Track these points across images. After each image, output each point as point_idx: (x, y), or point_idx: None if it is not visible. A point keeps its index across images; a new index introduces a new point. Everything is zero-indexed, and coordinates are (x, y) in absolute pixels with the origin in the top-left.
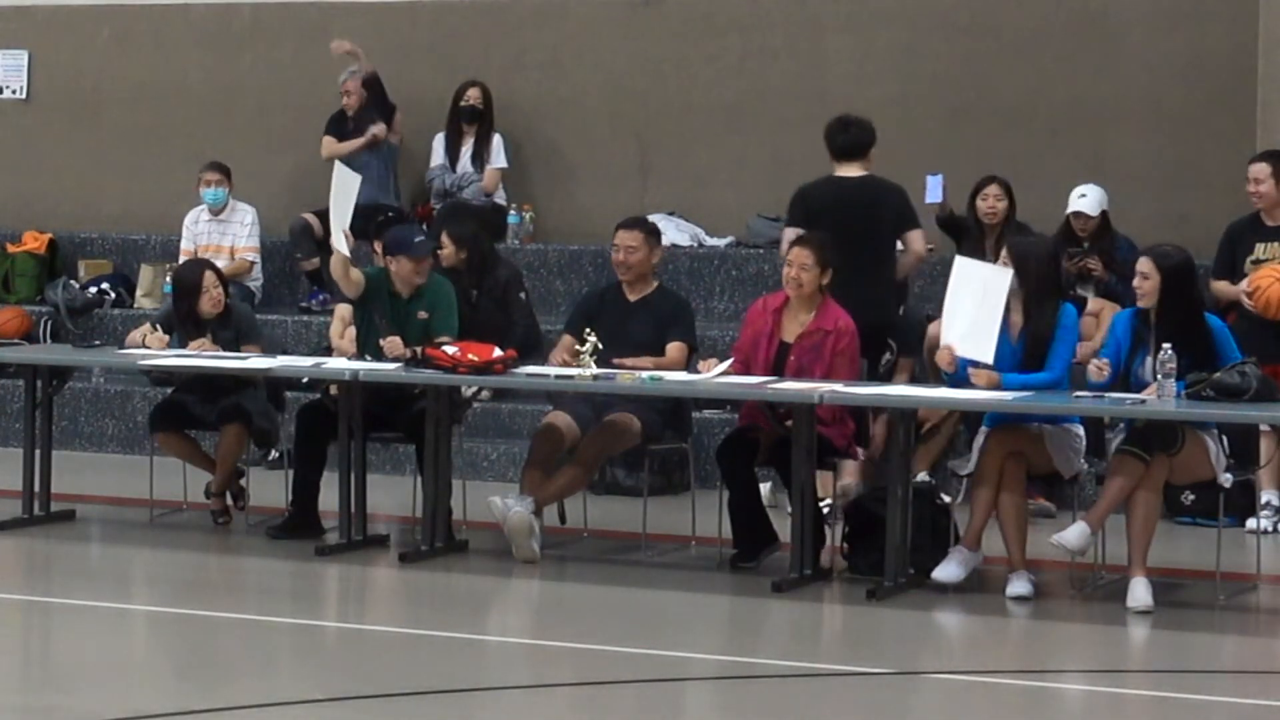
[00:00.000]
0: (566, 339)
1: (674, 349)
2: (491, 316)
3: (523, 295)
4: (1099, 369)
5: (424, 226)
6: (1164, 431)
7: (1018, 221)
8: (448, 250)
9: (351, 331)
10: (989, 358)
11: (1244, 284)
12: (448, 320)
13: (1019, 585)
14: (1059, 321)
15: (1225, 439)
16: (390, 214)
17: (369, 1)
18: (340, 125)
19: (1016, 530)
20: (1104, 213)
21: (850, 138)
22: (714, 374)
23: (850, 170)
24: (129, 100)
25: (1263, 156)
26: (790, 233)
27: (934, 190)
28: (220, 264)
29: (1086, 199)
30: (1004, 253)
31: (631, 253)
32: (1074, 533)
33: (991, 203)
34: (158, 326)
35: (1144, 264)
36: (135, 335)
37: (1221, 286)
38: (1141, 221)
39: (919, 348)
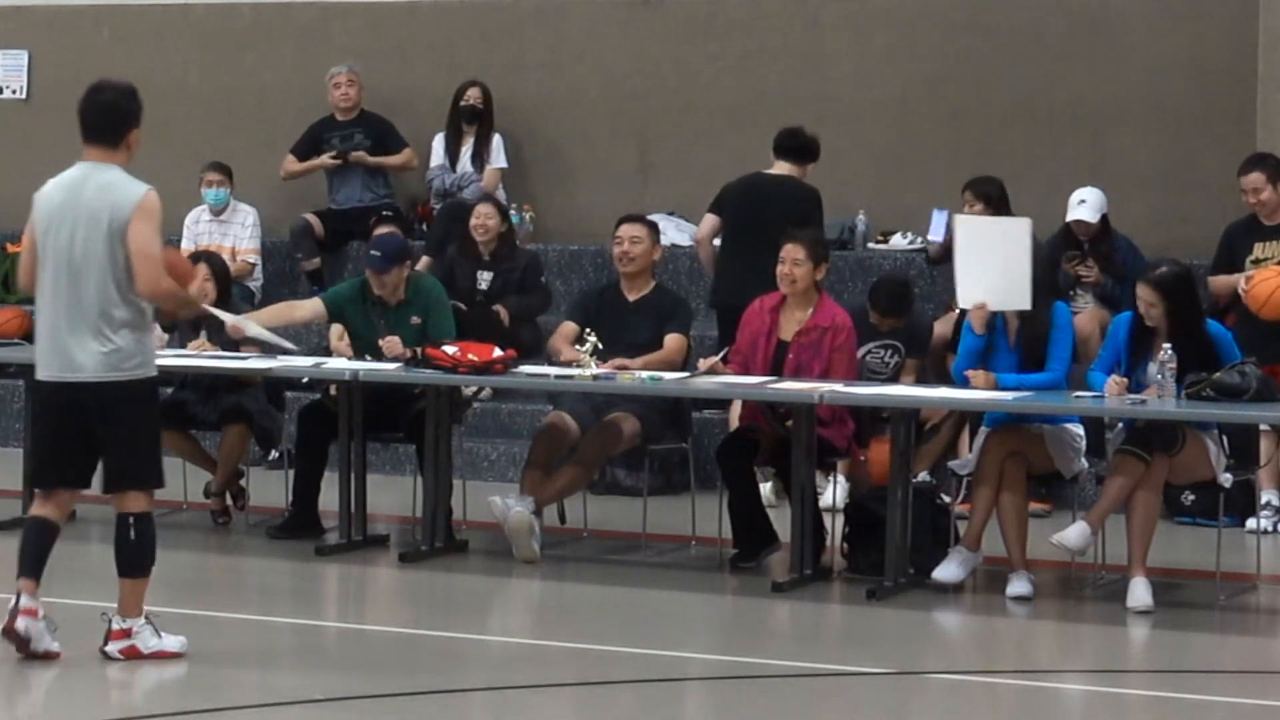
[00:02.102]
0: (570, 326)
1: (671, 340)
2: (498, 304)
3: (543, 279)
4: (1120, 386)
5: (424, 227)
6: (1164, 431)
7: None
8: (493, 223)
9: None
10: (1028, 304)
11: (1241, 281)
12: (443, 323)
13: (1019, 585)
14: (1053, 321)
15: (1225, 439)
16: (385, 213)
17: (369, 1)
18: (319, 135)
19: (1016, 530)
20: (1104, 215)
21: (780, 139)
22: (706, 366)
23: (776, 169)
24: None
25: (1252, 166)
26: (707, 219)
27: (936, 227)
28: None
29: (1086, 205)
30: None
31: (636, 243)
32: (1074, 532)
33: (966, 210)
34: (158, 325)
35: (1145, 292)
36: None
37: (1219, 280)
38: (1141, 221)
39: (925, 349)
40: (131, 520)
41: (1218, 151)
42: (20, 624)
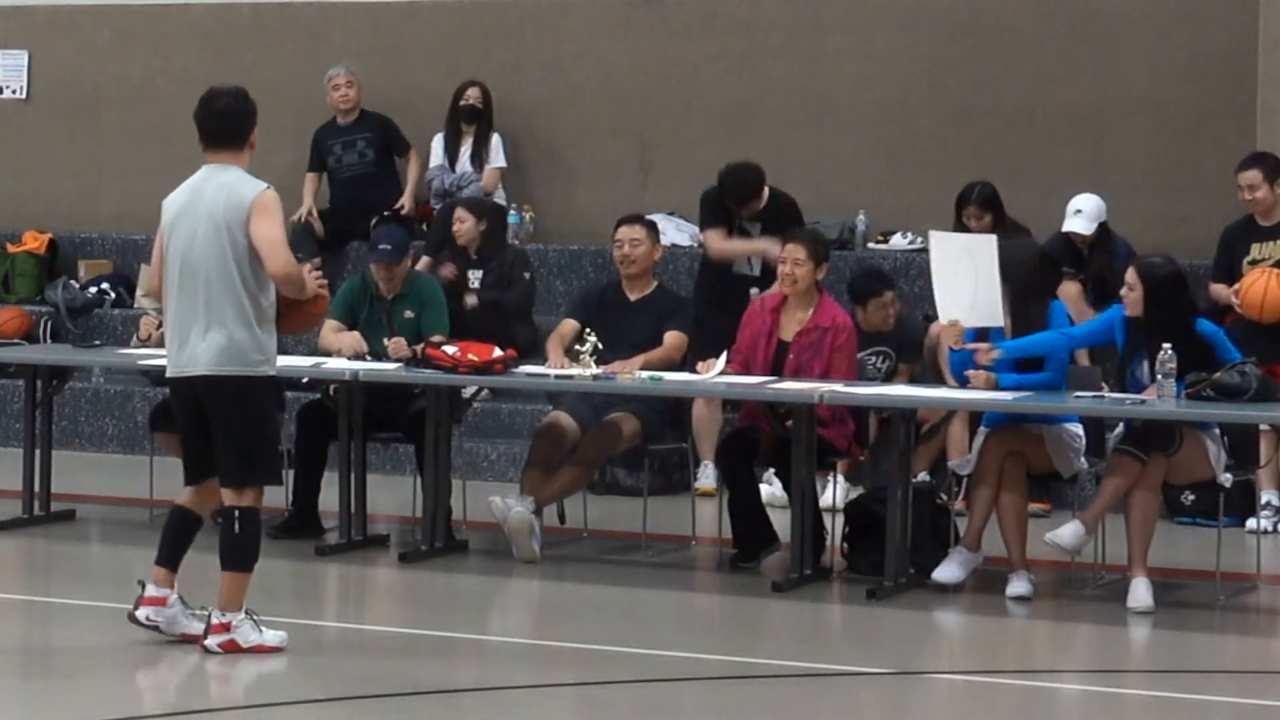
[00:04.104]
0: (570, 324)
1: (670, 338)
2: (492, 304)
3: (527, 275)
4: (981, 379)
5: (423, 226)
6: (1162, 431)
7: (1013, 221)
8: (467, 225)
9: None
10: (1000, 321)
11: (1232, 296)
12: (438, 319)
13: (1019, 585)
14: (1050, 322)
15: (1225, 439)
16: (386, 213)
17: (369, 1)
18: (327, 139)
19: (1016, 530)
20: (1102, 222)
21: None
22: (713, 374)
23: None
24: (129, 100)
25: (1251, 163)
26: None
27: None
28: None
29: (1082, 215)
30: None
31: (636, 245)
32: (1068, 531)
33: (974, 224)
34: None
35: (1130, 274)
36: (143, 328)
37: (1218, 289)
38: (1141, 222)
39: (918, 353)
40: (237, 514)
41: (1218, 151)
42: (141, 613)
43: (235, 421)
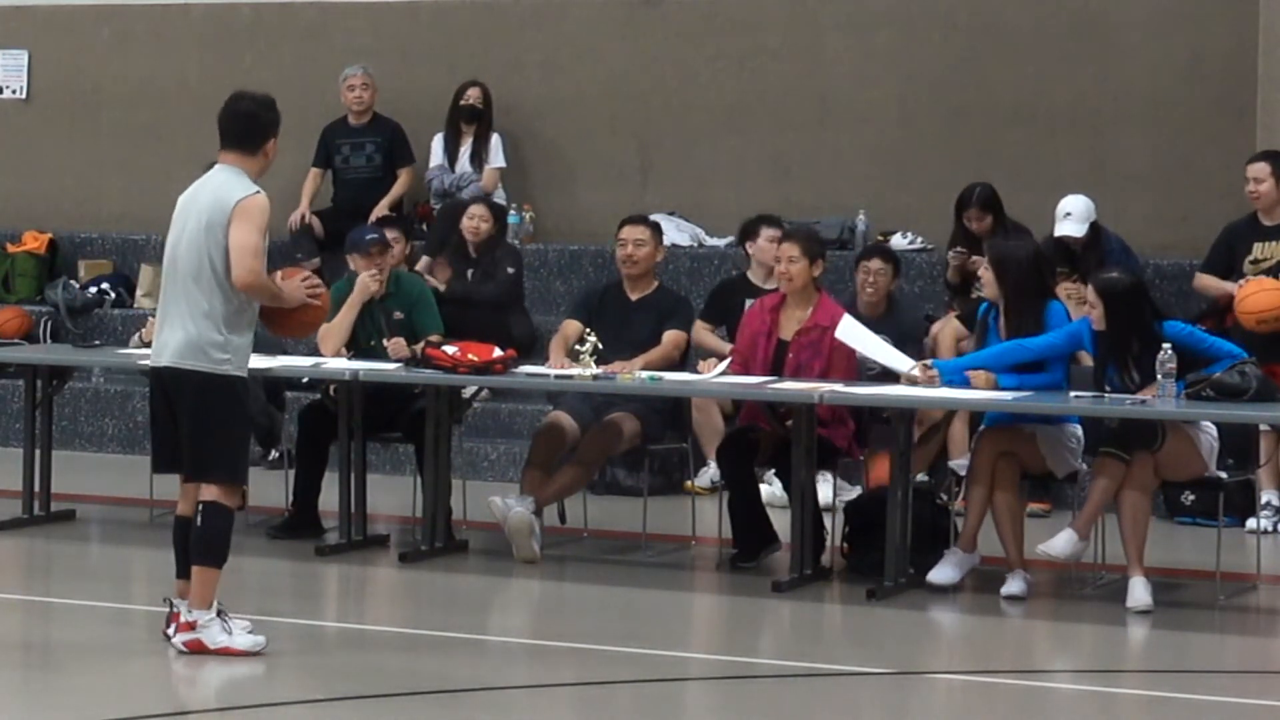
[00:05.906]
0: (572, 325)
1: (670, 336)
2: (464, 298)
3: (511, 270)
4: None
5: (423, 226)
6: (1143, 429)
7: (1013, 221)
8: (486, 226)
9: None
10: (905, 364)
11: (1236, 292)
12: (429, 318)
13: (1013, 585)
14: (1048, 322)
15: (1217, 429)
16: (387, 214)
17: (369, 1)
18: (330, 142)
19: (1012, 530)
20: (1093, 222)
21: None
22: (714, 374)
23: None
24: (129, 100)
25: (1262, 156)
26: None
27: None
28: None
29: (1072, 218)
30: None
31: (640, 246)
32: (1061, 541)
33: (976, 226)
34: None
35: (1090, 293)
36: (147, 330)
37: (1208, 281)
38: (1141, 221)
39: (915, 345)
40: (201, 507)
41: (1218, 151)
42: (172, 630)
43: (195, 416)
